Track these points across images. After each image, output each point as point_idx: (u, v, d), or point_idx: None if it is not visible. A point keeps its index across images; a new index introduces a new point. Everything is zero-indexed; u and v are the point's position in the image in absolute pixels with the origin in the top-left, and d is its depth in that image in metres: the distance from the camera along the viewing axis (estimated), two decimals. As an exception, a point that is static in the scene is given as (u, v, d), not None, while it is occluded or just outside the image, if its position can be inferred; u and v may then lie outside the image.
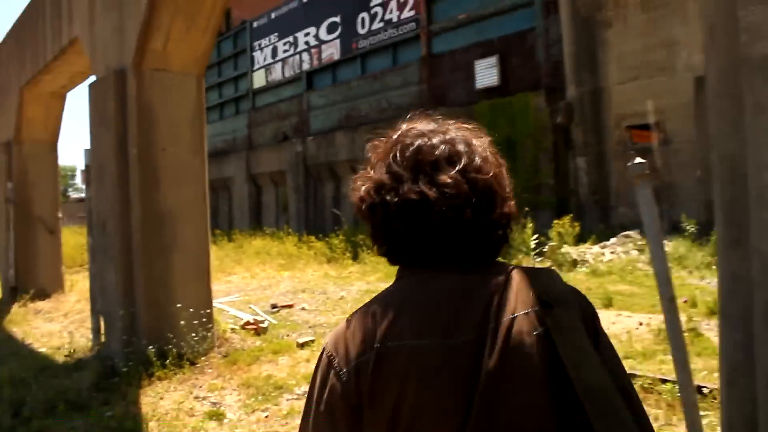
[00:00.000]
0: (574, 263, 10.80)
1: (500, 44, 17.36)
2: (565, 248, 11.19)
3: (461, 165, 1.12)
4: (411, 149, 1.15)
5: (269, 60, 27.07)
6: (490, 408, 1.00)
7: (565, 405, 1.01)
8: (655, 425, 2.34)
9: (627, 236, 11.93)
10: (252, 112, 28.30)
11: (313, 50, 24.42)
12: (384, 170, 1.15)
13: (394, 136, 1.22)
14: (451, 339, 1.04)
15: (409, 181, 1.11)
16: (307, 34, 24.73)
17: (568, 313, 1.07)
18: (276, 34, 26.59)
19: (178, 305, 5.96)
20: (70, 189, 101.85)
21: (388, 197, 1.12)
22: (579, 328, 1.06)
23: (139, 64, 5.95)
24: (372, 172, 1.18)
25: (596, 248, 11.52)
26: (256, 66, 27.97)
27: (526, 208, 14.43)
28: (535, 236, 11.22)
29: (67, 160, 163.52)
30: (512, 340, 1.03)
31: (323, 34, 23.86)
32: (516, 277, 1.11)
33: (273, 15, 26.86)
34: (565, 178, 15.78)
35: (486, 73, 17.48)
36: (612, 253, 11.27)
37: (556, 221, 12.00)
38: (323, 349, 1.14)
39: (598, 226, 14.02)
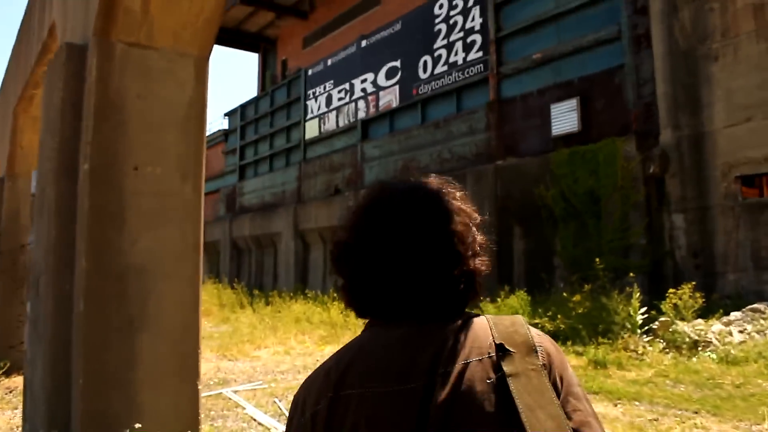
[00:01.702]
0: (695, 344, 8.33)
1: (581, 85, 15.27)
2: (679, 325, 8.74)
3: (423, 222, 1.13)
4: (379, 207, 1.18)
5: (323, 109, 25.62)
6: None
7: None
8: None
9: (756, 310, 9.38)
10: (303, 164, 26.74)
11: (370, 97, 22.83)
12: (352, 226, 1.19)
13: (369, 194, 1.23)
14: (400, 386, 1.05)
15: (375, 235, 1.14)
16: (364, 81, 23.21)
17: (528, 358, 1.06)
18: (331, 81, 25.21)
19: (138, 426, 3.46)
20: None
21: (355, 249, 1.16)
22: (539, 373, 1.05)
23: (106, 32, 3.73)
24: (346, 228, 1.21)
25: (718, 325, 9.01)
26: (310, 115, 26.56)
27: (602, 273, 12.14)
28: (643, 310, 8.85)
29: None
30: (462, 385, 1.02)
31: (381, 80, 22.27)
32: (477, 325, 1.12)
33: (329, 61, 25.55)
34: (659, 238, 13.32)
35: (564, 117, 15.37)
36: (741, 332, 8.75)
37: (671, 291, 9.56)
38: (294, 396, 1.19)
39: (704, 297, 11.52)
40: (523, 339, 1.08)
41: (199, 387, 4.13)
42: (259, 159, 31.04)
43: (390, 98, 21.80)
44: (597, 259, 11.07)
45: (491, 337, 1.08)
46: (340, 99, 24.57)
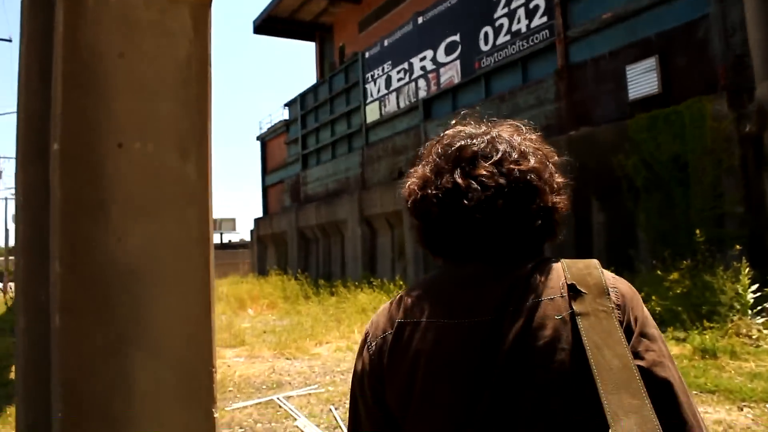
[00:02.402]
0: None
1: (660, 42, 13.99)
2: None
3: (497, 158, 1.17)
4: (453, 148, 1.23)
5: (383, 91, 24.89)
6: (509, 381, 1.02)
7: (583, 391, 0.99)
8: None
9: None
10: (365, 149, 26.11)
11: (430, 75, 21.94)
12: (429, 167, 1.24)
13: (441, 138, 1.30)
14: (467, 319, 1.09)
15: (447, 174, 1.18)
16: (423, 59, 22.32)
17: (599, 299, 1.07)
18: (389, 62, 24.42)
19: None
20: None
21: (429, 190, 1.19)
22: (609, 314, 1.06)
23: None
24: (419, 170, 1.27)
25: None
26: (369, 99, 25.87)
27: (703, 246, 10.98)
28: (755, 287, 7.75)
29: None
30: (533, 322, 1.04)
31: (441, 57, 21.35)
32: (550, 267, 1.14)
33: (386, 42, 24.75)
34: (759, 205, 12.02)
35: (642, 79, 14.14)
36: None
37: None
38: (366, 327, 1.25)
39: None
40: (595, 281, 1.11)
41: (215, 415, 3.32)
42: (321, 147, 30.60)
43: (451, 74, 20.86)
44: (698, 231, 9.87)
45: (563, 278, 1.11)
46: (399, 79, 23.78)
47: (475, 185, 1.13)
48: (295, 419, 6.14)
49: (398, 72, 23.82)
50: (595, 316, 1.04)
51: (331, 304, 14.68)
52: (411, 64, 22.96)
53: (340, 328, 11.49)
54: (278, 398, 6.93)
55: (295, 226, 30.73)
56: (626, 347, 1.01)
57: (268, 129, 38.20)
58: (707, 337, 7.11)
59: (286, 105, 35.35)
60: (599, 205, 14.75)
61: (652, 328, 1.10)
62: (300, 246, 30.69)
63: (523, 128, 1.28)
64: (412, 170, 1.29)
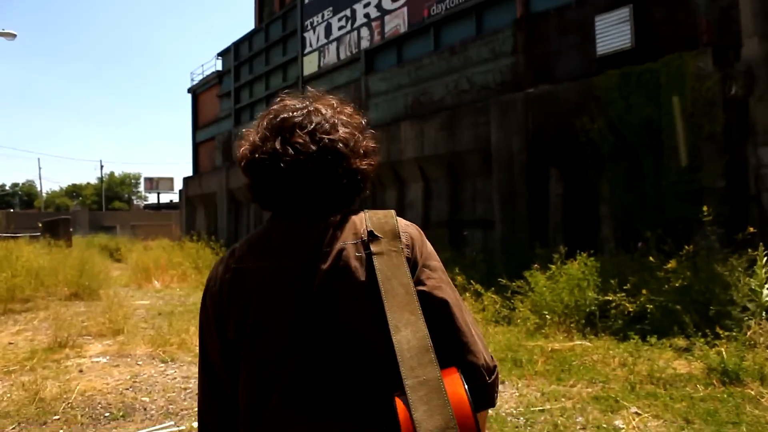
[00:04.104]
0: None
1: (635, -11, 12.19)
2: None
3: (311, 128, 1.40)
4: (276, 119, 1.44)
5: (323, 41, 22.56)
6: (322, 308, 1.30)
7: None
8: None
9: None
10: (302, 104, 23.82)
11: (374, 23, 19.74)
12: (258, 135, 1.46)
13: (270, 110, 1.50)
14: (288, 262, 1.35)
15: (270, 141, 1.41)
16: (367, 5, 20.06)
17: (392, 242, 1.35)
18: (330, 8, 22.07)
19: None
20: (134, 197, 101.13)
21: (256, 155, 1.42)
22: (399, 253, 1.34)
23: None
24: (250, 137, 1.48)
25: None
26: (308, 49, 23.51)
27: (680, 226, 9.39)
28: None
29: (131, 168, 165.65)
30: (341, 260, 1.32)
31: (387, 3, 19.14)
32: (356, 217, 1.42)
33: (328, -14, 22.36)
34: (741, 179, 10.48)
35: (613, 32, 12.37)
36: None
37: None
38: (209, 273, 1.49)
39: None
40: (390, 228, 1.38)
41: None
42: (255, 101, 28.07)
43: (397, 23, 18.72)
44: (705, 208, 8.05)
45: (365, 226, 1.38)
46: (340, 28, 21.49)
47: (291, 151, 1.37)
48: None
49: (339, 20, 21.52)
50: (387, 255, 1.33)
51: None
52: (354, 11, 20.68)
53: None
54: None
55: (225, 188, 28.31)
56: (409, 278, 1.31)
57: (200, 81, 35.27)
58: (723, 351, 5.38)
59: (219, 55, 32.52)
60: (558, 173, 13.04)
61: (434, 260, 1.41)
62: (230, 209, 28.32)
63: (337, 103, 1.51)
64: (245, 136, 1.49)
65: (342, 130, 1.41)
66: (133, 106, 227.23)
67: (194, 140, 36.05)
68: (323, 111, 1.44)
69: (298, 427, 1.25)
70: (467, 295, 7.28)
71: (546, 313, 6.98)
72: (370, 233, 1.34)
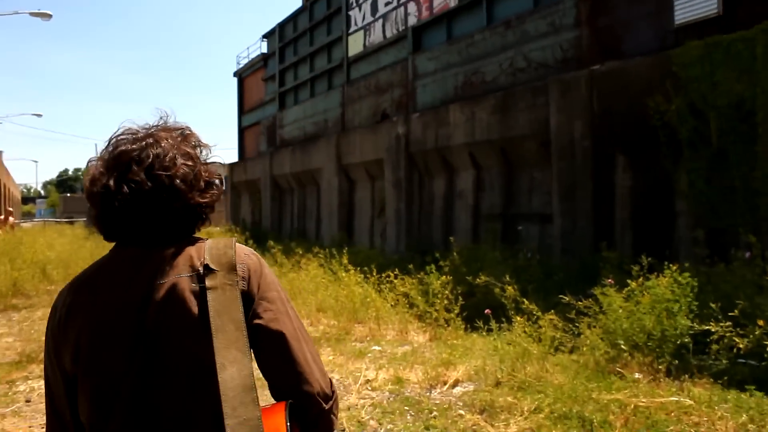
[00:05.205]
0: None
1: (723, -55, 10.38)
2: None
3: (148, 164, 1.35)
4: (115, 151, 1.39)
5: (368, 18, 21.16)
6: (155, 342, 1.28)
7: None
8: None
9: None
10: (346, 87, 22.52)
11: (422, -2, 18.22)
12: (101, 166, 1.39)
13: (111, 139, 1.43)
14: (122, 294, 1.32)
15: (106, 177, 1.36)
16: (414, -22, 18.56)
17: (228, 275, 1.34)
18: (376, -17, 20.64)
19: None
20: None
21: (95, 188, 1.37)
22: (234, 287, 1.33)
23: None
24: (97, 165, 1.41)
25: None
26: (353, 28, 22.15)
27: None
28: None
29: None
30: (174, 294, 1.30)
31: (435, -25, 17.60)
32: (194, 248, 1.39)
33: (373, -40, 20.90)
34: None
35: (694, -2, 10.59)
36: None
37: None
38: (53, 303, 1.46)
39: None
40: (227, 260, 1.36)
41: None
42: (299, 84, 26.92)
43: (447, -4, 17.18)
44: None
45: (203, 258, 1.36)
46: (387, 4, 20.05)
47: (125, 189, 1.32)
48: None
49: (386, -5, 20.07)
50: (221, 289, 1.31)
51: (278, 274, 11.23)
52: (401, -15, 19.21)
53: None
54: None
55: (269, 174, 27.31)
56: (241, 313, 1.31)
57: (246, 64, 34.34)
58: None
59: (264, 37, 31.46)
60: (626, 162, 11.37)
61: (273, 291, 1.40)
62: (274, 196, 27.34)
63: (180, 132, 1.46)
64: (89, 167, 1.45)
65: (181, 164, 1.39)
66: (183, 92, 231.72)
67: (240, 125, 35.27)
68: (163, 144, 1.40)
69: None
70: (518, 318, 5.79)
71: (621, 343, 5.50)
72: (206, 267, 1.34)
